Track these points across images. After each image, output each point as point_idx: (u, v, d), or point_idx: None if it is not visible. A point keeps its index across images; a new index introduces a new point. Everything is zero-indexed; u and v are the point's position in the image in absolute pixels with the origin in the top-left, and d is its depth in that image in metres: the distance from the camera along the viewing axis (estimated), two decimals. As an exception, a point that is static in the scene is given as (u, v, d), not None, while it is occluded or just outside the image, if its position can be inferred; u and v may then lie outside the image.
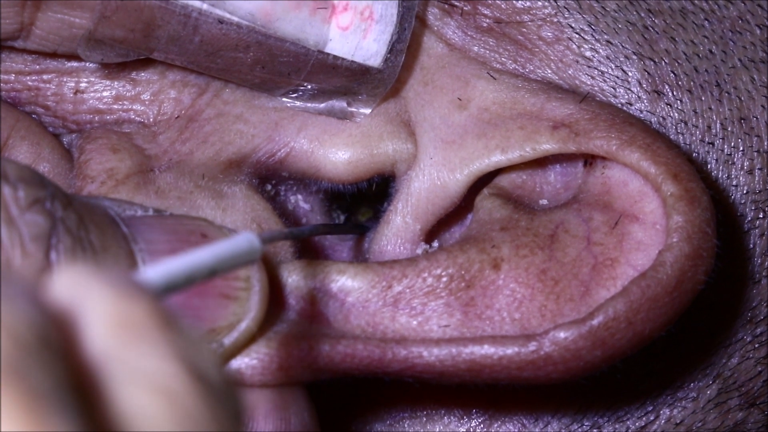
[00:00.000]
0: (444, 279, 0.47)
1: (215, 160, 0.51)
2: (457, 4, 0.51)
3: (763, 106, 0.51)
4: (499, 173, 0.52)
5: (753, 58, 0.51)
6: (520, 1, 0.51)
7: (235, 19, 0.47)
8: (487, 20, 0.51)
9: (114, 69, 0.51)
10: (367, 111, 0.51)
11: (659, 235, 0.47)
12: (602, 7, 0.51)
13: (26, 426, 0.25)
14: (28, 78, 0.51)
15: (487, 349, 0.46)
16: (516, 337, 0.46)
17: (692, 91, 0.51)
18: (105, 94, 0.51)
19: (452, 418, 0.54)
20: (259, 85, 0.50)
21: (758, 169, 0.51)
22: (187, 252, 0.35)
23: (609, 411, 0.53)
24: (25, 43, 0.49)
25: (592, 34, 0.51)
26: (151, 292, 0.31)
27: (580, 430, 0.53)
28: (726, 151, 0.51)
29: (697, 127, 0.51)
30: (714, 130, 0.51)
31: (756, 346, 0.52)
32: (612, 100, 0.51)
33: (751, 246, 0.52)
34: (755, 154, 0.51)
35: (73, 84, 0.51)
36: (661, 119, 0.51)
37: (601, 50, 0.51)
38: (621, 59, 0.51)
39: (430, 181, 0.51)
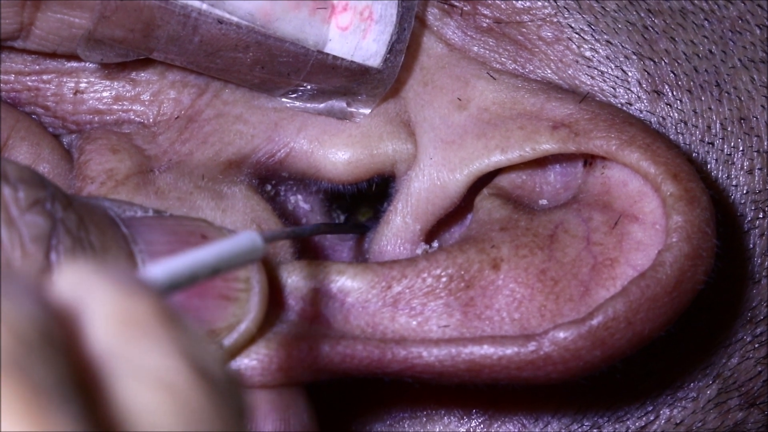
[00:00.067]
0: (443, 279, 0.47)
1: (215, 160, 0.51)
2: (456, 4, 0.51)
3: (762, 106, 0.51)
4: (499, 173, 0.52)
5: (753, 58, 0.51)
6: (519, 1, 0.51)
7: (235, 19, 0.47)
8: (487, 20, 0.51)
9: (114, 69, 0.51)
10: (367, 111, 0.51)
11: (659, 235, 0.47)
12: (602, 7, 0.51)
13: (28, 421, 0.25)
14: (27, 78, 0.51)
15: (486, 350, 0.46)
16: (515, 337, 0.46)
17: (692, 91, 0.51)
18: (105, 94, 0.51)
19: (452, 418, 0.54)
20: (259, 85, 0.50)
21: (758, 169, 0.51)
22: (190, 251, 0.35)
23: (609, 411, 0.53)
24: (25, 43, 0.49)
25: (591, 34, 0.51)
26: (154, 290, 0.31)
27: (580, 430, 0.53)
28: (726, 151, 0.51)
29: (696, 127, 0.51)
30: (714, 130, 0.51)
31: (756, 346, 0.52)
32: (612, 100, 0.51)
33: (751, 246, 0.52)
34: (755, 154, 0.51)
35: (72, 84, 0.51)
36: (660, 119, 0.51)
37: (600, 50, 0.51)
38: (621, 59, 0.51)
39: (430, 181, 0.51)
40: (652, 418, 0.53)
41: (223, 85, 0.51)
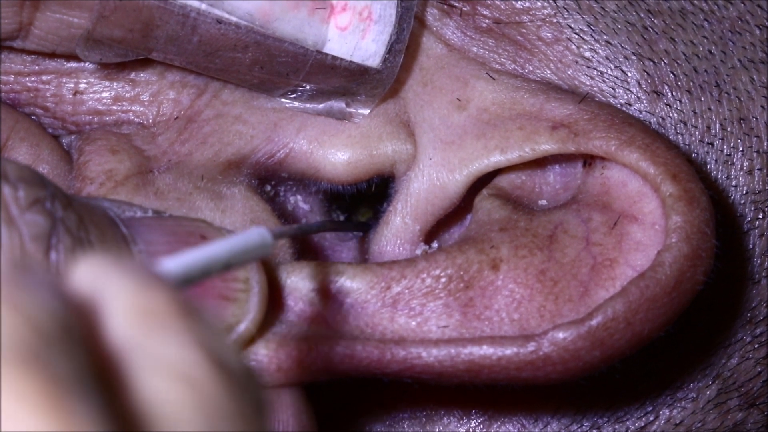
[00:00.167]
0: (443, 280, 0.47)
1: (214, 161, 0.51)
2: (456, 4, 0.51)
3: (762, 106, 0.51)
4: (498, 174, 0.52)
5: (752, 58, 0.51)
6: (519, 2, 0.51)
7: (234, 19, 0.47)
8: (487, 21, 0.51)
9: (113, 70, 0.51)
10: (366, 111, 0.51)
11: (658, 235, 0.47)
12: (601, 7, 0.51)
13: (48, 414, 0.25)
14: (27, 79, 0.51)
15: (485, 350, 0.46)
16: (515, 337, 0.46)
17: (691, 91, 0.51)
18: (104, 95, 0.51)
19: (452, 418, 0.54)
20: (258, 85, 0.50)
21: (758, 169, 0.51)
22: (202, 246, 0.35)
23: (608, 411, 0.53)
24: (24, 43, 0.49)
25: (591, 35, 0.51)
26: (170, 283, 0.31)
27: (579, 430, 0.53)
28: (725, 151, 0.51)
29: (696, 127, 0.51)
30: (713, 131, 0.51)
31: (756, 346, 0.52)
32: (611, 100, 0.51)
33: (751, 246, 0.52)
34: (755, 154, 0.51)
35: (72, 85, 0.51)
36: (660, 119, 0.51)
37: (600, 51, 0.51)
38: (620, 60, 0.51)
39: (430, 181, 0.51)
40: (651, 418, 0.53)
41: (222, 86, 0.51)
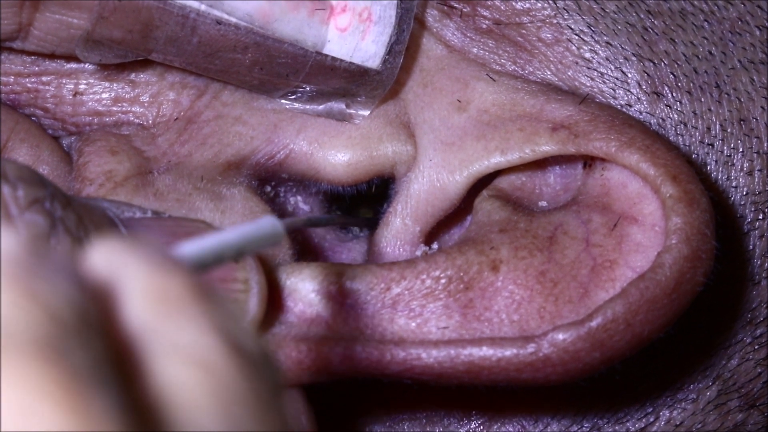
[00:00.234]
0: (443, 281, 0.47)
1: (214, 162, 0.51)
2: (456, 5, 0.51)
3: (762, 107, 0.51)
4: (499, 175, 0.51)
5: (753, 59, 0.51)
6: (519, 3, 0.51)
7: (233, 20, 0.47)
8: (487, 22, 0.51)
9: (113, 71, 0.51)
10: (366, 113, 0.51)
11: (658, 236, 0.47)
12: (602, 8, 0.51)
13: (67, 408, 0.25)
14: (27, 80, 0.51)
15: (485, 351, 0.46)
16: (514, 338, 0.46)
17: (692, 92, 0.51)
18: (104, 96, 0.51)
19: (451, 419, 0.54)
20: (258, 86, 0.50)
21: (758, 170, 0.51)
22: (216, 232, 0.35)
23: (608, 412, 0.53)
24: (24, 44, 0.49)
25: (591, 36, 0.51)
26: (186, 267, 0.31)
27: (579, 431, 0.53)
28: (725, 152, 0.51)
29: (696, 128, 0.51)
30: (713, 132, 0.51)
31: (756, 347, 0.52)
32: (611, 101, 0.51)
33: (751, 247, 0.52)
34: (755, 155, 0.51)
35: (72, 86, 0.51)
36: (660, 121, 0.51)
37: (600, 52, 0.51)
38: (620, 61, 0.51)
39: (430, 182, 0.51)
40: (651, 419, 0.53)
41: (222, 87, 0.51)
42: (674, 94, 0.51)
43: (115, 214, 0.43)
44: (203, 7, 0.46)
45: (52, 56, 0.50)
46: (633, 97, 0.51)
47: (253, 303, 0.45)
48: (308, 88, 0.50)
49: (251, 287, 0.45)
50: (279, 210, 0.53)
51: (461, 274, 0.47)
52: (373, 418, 0.54)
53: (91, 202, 0.43)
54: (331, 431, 0.53)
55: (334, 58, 0.48)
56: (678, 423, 0.53)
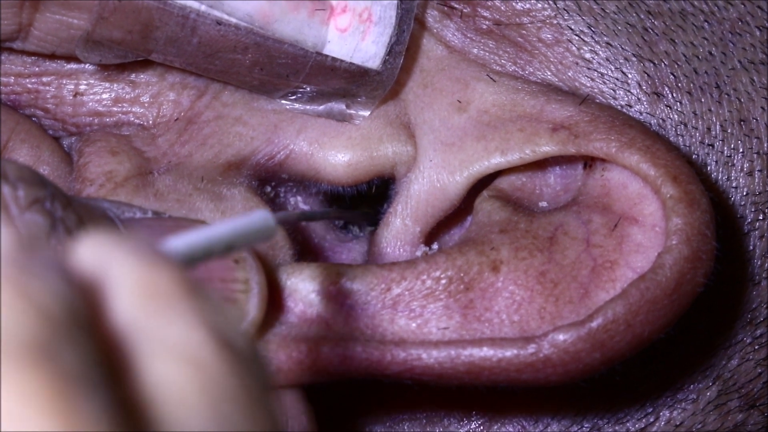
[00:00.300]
0: (443, 281, 0.47)
1: (214, 162, 0.51)
2: (456, 6, 0.51)
3: (762, 107, 0.51)
4: (499, 175, 0.51)
5: (753, 59, 0.51)
6: (519, 3, 0.51)
7: (234, 20, 0.47)
8: (487, 22, 0.51)
9: (113, 71, 0.51)
10: (366, 113, 0.51)
11: (658, 237, 0.47)
12: (602, 9, 0.51)
13: (56, 413, 0.24)
14: (27, 80, 0.51)
15: (486, 352, 0.46)
16: (515, 339, 0.46)
17: (692, 92, 0.51)
18: (104, 96, 0.51)
19: (452, 420, 0.54)
20: (258, 87, 0.50)
21: (758, 170, 0.51)
22: (205, 226, 0.35)
23: (609, 413, 0.53)
24: (24, 45, 0.49)
25: (591, 36, 0.51)
26: (174, 262, 0.30)
27: (579, 431, 0.53)
28: (726, 152, 0.51)
29: (696, 128, 0.51)
30: (714, 132, 0.51)
31: (756, 347, 0.52)
32: (612, 102, 0.51)
33: (751, 248, 0.52)
34: (755, 155, 0.51)
35: (72, 86, 0.51)
36: (660, 121, 0.51)
37: (600, 52, 0.51)
38: (621, 61, 0.51)
39: (430, 183, 0.51)
40: (651, 419, 0.53)
41: (222, 87, 0.51)
42: (674, 95, 0.51)
43: (115, 214, 0.43)
44: (203, 8, 0.46)
45: (52, 57, 0.50)
46: (633, 97, 0.51)
47: (254, 303, 0.45)
48: (308, 89, 0.50)
49: (252, 287, 0.45)
50: (279, 210, 0.53)
51: (461, 274, 0.47)
52: (373, 418, 0.54)
53: (91, 203, 0.43)
54: (331, 431, 0.53)
55: (334, 59, 0.48)
56: (678, 423, 0.53)
